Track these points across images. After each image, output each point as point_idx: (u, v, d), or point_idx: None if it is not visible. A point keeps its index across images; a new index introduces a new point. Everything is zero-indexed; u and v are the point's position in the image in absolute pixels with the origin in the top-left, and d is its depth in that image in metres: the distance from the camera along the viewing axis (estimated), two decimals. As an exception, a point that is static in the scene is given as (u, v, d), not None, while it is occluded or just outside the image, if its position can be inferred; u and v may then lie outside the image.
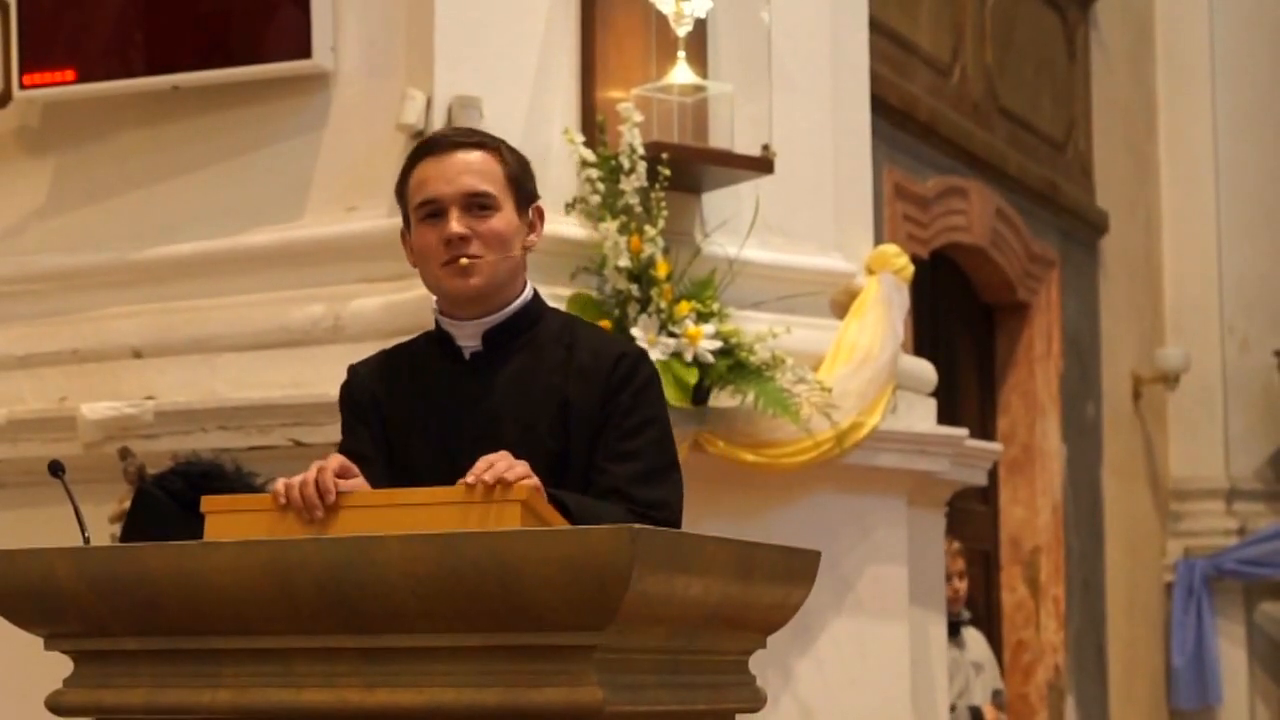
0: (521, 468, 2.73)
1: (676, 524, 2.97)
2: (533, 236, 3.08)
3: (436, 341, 3.10)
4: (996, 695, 7.43)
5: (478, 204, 2.98)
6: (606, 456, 2.96)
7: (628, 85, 5.34)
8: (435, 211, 2.99)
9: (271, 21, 5.32)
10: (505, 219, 3.00)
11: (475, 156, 3.00)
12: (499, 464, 2.71)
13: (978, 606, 8.42)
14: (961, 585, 7.12)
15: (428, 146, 3.04)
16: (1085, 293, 9.74)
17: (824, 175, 5.78)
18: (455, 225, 2.97)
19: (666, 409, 3.08)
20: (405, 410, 3.05)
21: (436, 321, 3.10)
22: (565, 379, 3.00)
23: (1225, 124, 10.66)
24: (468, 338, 3.05)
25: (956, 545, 7.01)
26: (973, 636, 7.35)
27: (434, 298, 3.10)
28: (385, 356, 3.17)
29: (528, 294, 3.08)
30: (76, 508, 3.12)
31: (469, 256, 2.97)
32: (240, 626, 2.66)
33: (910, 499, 5.80)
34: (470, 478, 2.69)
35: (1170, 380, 10.38)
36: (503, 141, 3.09)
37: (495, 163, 3.02)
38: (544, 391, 3.00)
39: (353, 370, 3.17)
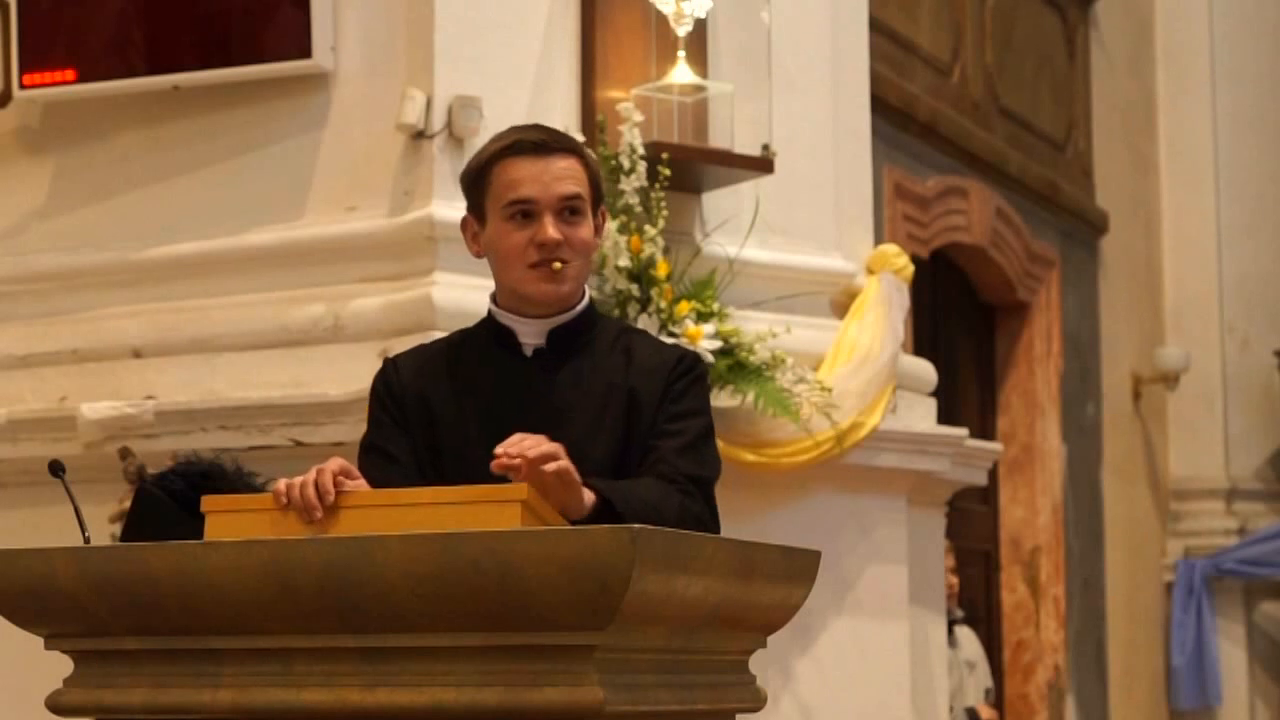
0: (549, 447, 2.74)
1: (710, 498, 3.02)
2: (597, 239, 3.10)
3: (491, 337, 3.08)
4: (988, 693, 7.45)
5: (570, 209, 3.00)
6: (655, 434, 3.01)
7: (628, 85, 5.34)
8: (527, 213, 2.98)
9: (271, 21, 5.32)
10: (589, 226, 3.04)
11: (568, 162, 3.01)
12: (527, 442, 2.72)
13: (977, 607, 8.43)
14: (954, 581, 7.12)
15: (520, 145, 3.01)
16: (1085, 293, 9.74)
17: (824, 175, 5.78)
18: (552, 230, 2.97)
19: (710, 408, 3.13)
20: (458, 406, 3.03)
21: (491, 314, 3.09)
22: (628, 377, 3.03)
23: (1225, 124, 10.66)
24: (532, 335, 3.05)
25: (947, 543, 7.01)
26: (965, 635, 7.36)
27: (491, 291, 3.11)
28: (427, 352, 3.14)
29: (586, 298, 3.11)
30: (76, 508, 3.12)
31: (562, 261, 2.98)
32: (240, 626, 2.66)
33: (910, 499, 5.80)
34: (499, 449, 2.72)
35: (1170, 380, 10.39)
36: (582, 145, 3.11)
37: (582, 167, 3.04)
38: (608, 388, 3.02)
39: (391, 364, 3.13)
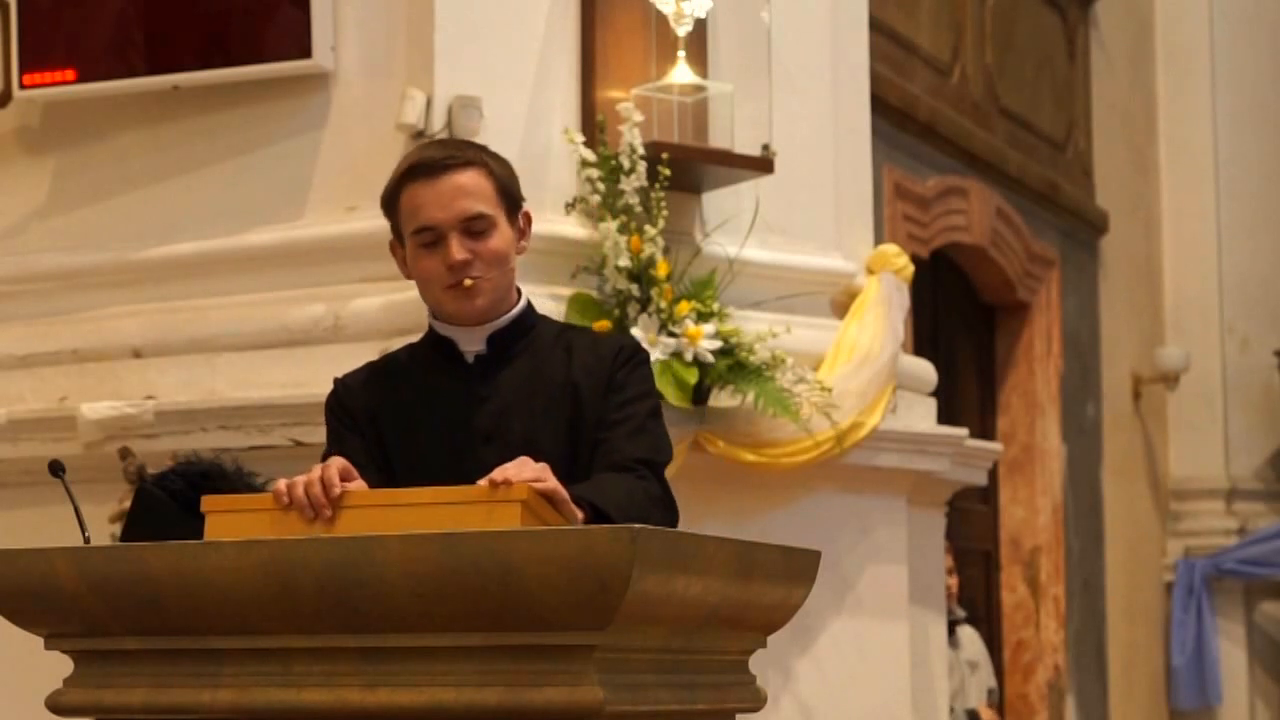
0: (534, 469, 2.74)
1: (664, 480, 3.04)
2: (523, 243, 3.13)
3: (433, 347, 3.14)
4: (990, 694, 7.44)
5: (475, 227, 3.01)
6: (604, 426, 3.03)
7: (628, 85, 5.34)
8: (434, 239, 3.02)
9: (271, 21, 5.32)
10: (502, 235, 3.05)
11: (466, 177, 3.02)
12: (510, 469, 2.73)
13: (977, 606, 8.43)
14: (952, 582, 7.12)
15: (416, 169, 3.04)
16: (1085, 293, 9.74)
17: (824, 175, 5.77)
18: (457, 252, 3.00)
19: (655, 390, 3.16)
20: (408, 416, 3.08)
21: (432, 328, 3.14)
22: (570, 373, 3.06)
23: (1225, 124, 10.66)
24: (471, 342, 3.10)
25: (945, 542, 7.01)
26: (968, 635, 7.35)
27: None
28: (374, 369, 3.20)
29: (523, 301, 3.15)
30: (76, 508, 3.13)
31: (472, 278, 3.01)
32: (240, 626, 2.66)
33: (910, 499, 5.80)
34: (483, 480, 2.71)
35: (1170, 380, 10.39)
36: (485, 150, 3.10)
37: (485, 179, 3.04)
38: (552, 386, 3.06)
39: (340, 383, 3.19)
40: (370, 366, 3.21)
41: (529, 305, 3.15)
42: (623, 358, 3.09)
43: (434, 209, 3.00)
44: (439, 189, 3.00)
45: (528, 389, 3.05)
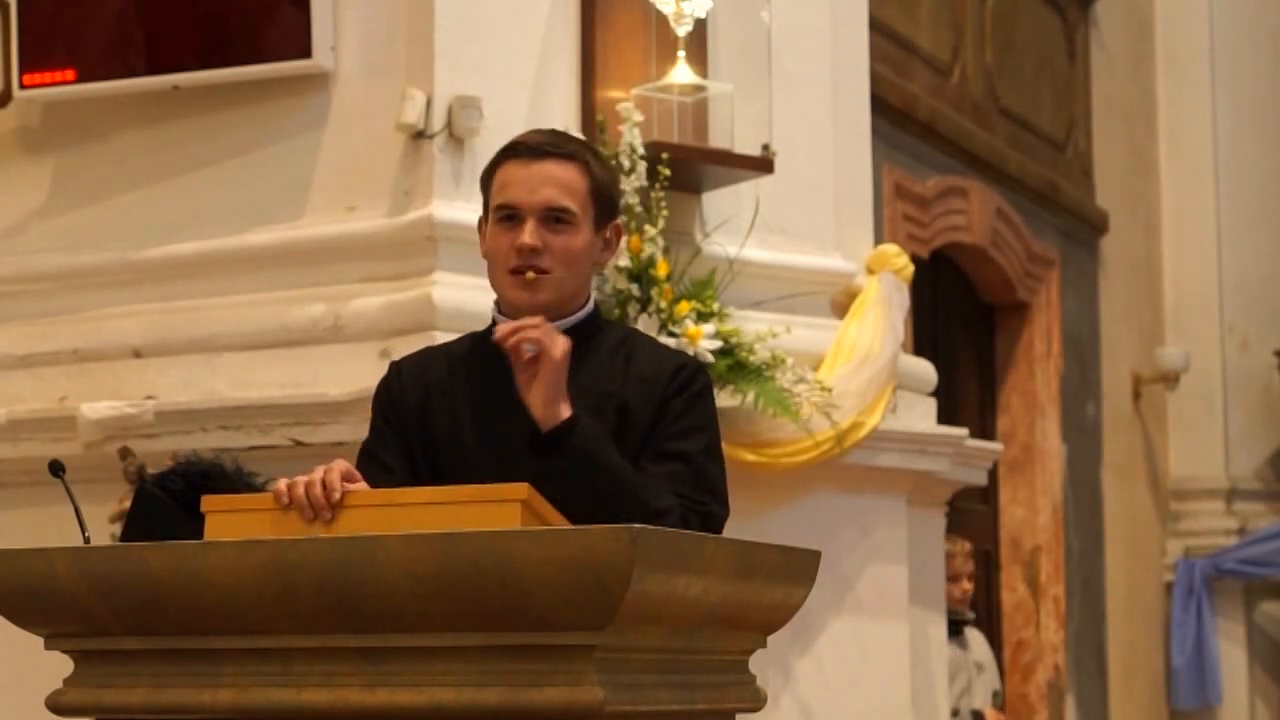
0: (564, 343, 2.82)
1: (719, 526, 3.00)
2: (605, 254, 3.09)
3: (492, 341, 3.07)
4: (995, 696, 7.44)
5: (555, 218, 2.98)
6: (651, 456, 2.97)
7: (628, 85, 5.34)
8: (512, 216, 2.98)
9: (271, 21, 5.32)
10: (581, 236, 3.00)
11: (561, 168, 2.99)
12: (528, 328, 2.81)
13: (978, 607, 8.43)
14: (970, 586, 7.14)
15: (516, 148, 3.02)
16: (1085, 293, 9.74)
17: (824, 175, 5.78)
18: (529, 237, 2.96)
19: (718, 423, 3.08)
20: (456, 410, 3.04)
21: (495, 320, 3.08)
22: (624, 386, 3.00)
23: (1225, 124, 10.66)
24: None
25: (968, 546, 7.01)
26: (975, 637, 7.35)
27: (494, 296, 3.10)
28: (432, 353, 3.15)
29: (590, 305, 3.09)
30: (76, 507, 3.13)
31: (537, 270, 2.97)
32: (240, 626, 2.66)
33: (910, 499, 5.80)
34: (502, 328, 2.83)
35: (1170, 380, 10.38)
36: (592, 150, 3.07)
37: (581, 176, 3.00)
38: (603, 397, 2.99)
39: (395, 367, 3.14)
40: (428, 352, 3.17)
41: (595, 310, 3.09)
42: (682, 379, 3.01)
43: (520, 190, 2.97)
44: (531, 172, 2.98)
45: (580, 396, 2.97)
